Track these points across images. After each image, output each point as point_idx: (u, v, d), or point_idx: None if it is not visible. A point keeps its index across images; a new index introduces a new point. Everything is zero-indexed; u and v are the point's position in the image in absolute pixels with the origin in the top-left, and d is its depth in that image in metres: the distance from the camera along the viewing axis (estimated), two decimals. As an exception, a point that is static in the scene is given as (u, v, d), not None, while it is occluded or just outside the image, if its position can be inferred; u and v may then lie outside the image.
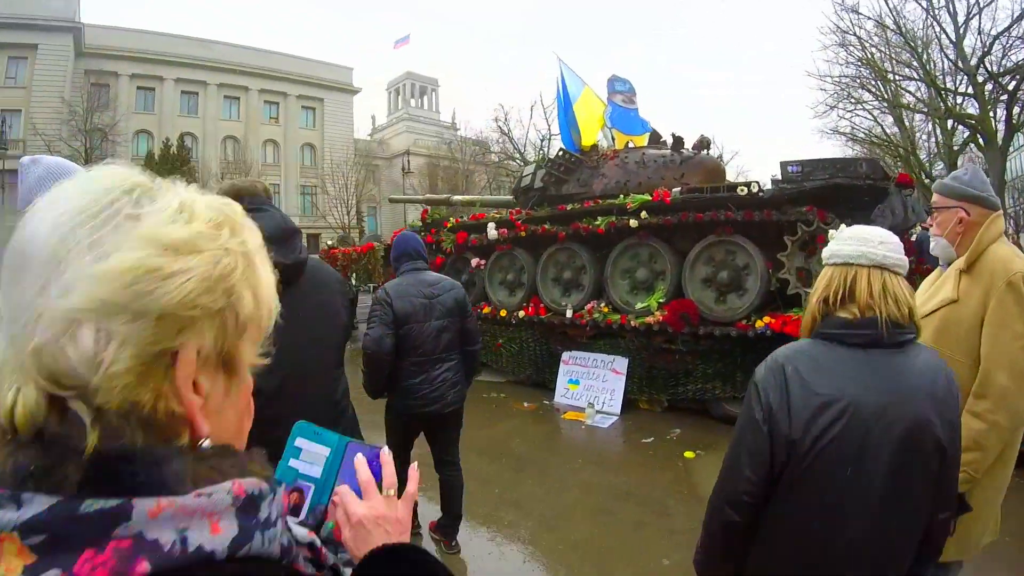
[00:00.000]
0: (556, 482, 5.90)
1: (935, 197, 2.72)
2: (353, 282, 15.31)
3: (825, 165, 6.95)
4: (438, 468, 4.52)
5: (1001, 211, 2.62)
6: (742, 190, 7.02)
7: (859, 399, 1.70)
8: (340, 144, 52.30)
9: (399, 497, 1.00)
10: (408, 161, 45.17)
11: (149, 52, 45.58)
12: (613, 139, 10.48)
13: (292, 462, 1.05)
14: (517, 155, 40.63)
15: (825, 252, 1.96)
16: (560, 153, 9.59)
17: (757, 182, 7.15)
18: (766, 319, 6.77)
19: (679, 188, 7.70)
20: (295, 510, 1.01)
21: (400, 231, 5.34)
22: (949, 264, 2.67)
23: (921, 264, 7.34)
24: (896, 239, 1.87)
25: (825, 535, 1.75)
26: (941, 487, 1.77)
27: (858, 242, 1.84)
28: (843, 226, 2.06)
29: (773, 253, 6.87)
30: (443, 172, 48.10)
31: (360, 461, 1.02)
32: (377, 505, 0.96)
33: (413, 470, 1.06)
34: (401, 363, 4.09)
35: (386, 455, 1.02)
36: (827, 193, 6.62)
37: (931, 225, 2.79)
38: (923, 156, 28.78)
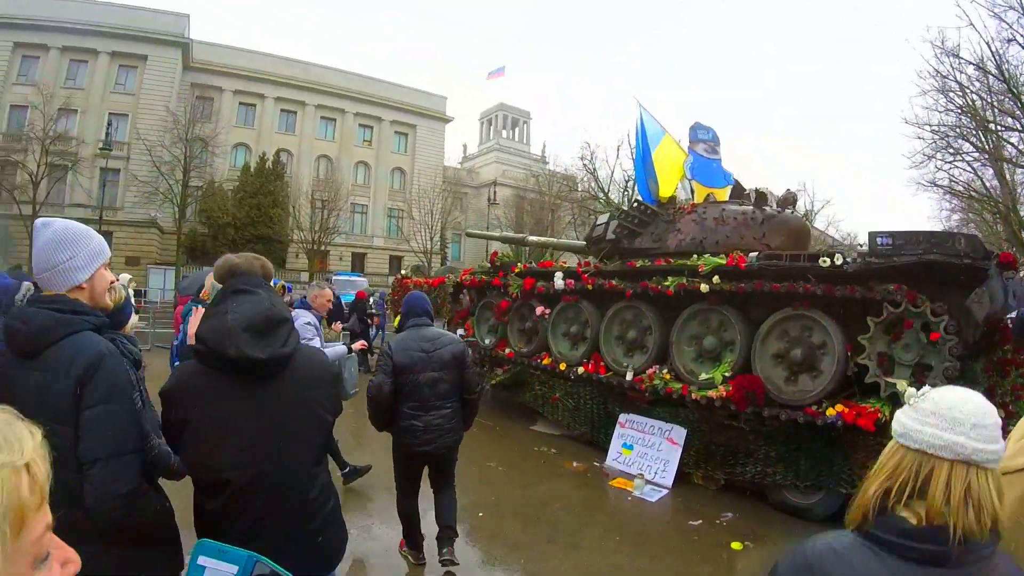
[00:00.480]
0: (586, 560, 5.47)
1: None
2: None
3: (919, 239, 6.13)
4: (433, 487, 5.13)
5: None
6: (824, 261, 6.43)
7: None
8: (429, 170, 53.71)
9: None
10: (494, 192, 45.70)
11: (252, 70, 48.37)
12: (692, 191, 10.00)
13: None
14: (601, 195, 40.48)
15: (897, 423, 1.51)
16: (635, 204, 9.20)
17: (842, 254, 6.57)
18: (839, 407, 6.09)
19: (756, 253, 7.17)
20: None
21: (411, 292, 5.64)
22: None
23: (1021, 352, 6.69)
24: (993, 419, 1.42)
25: None
26: None
27: (944, 425, 1.40)
28: (927, 388, 1.48)
29: (854, 334, 6.26)
30: (529, 205, 48.41)
31: None
32: None
33: None
34: (401, 407, 4.74)
35: None
36: (919, 271, 5.90)
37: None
38: (1024, 212, 27.32)
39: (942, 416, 1.40)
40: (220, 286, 2.59)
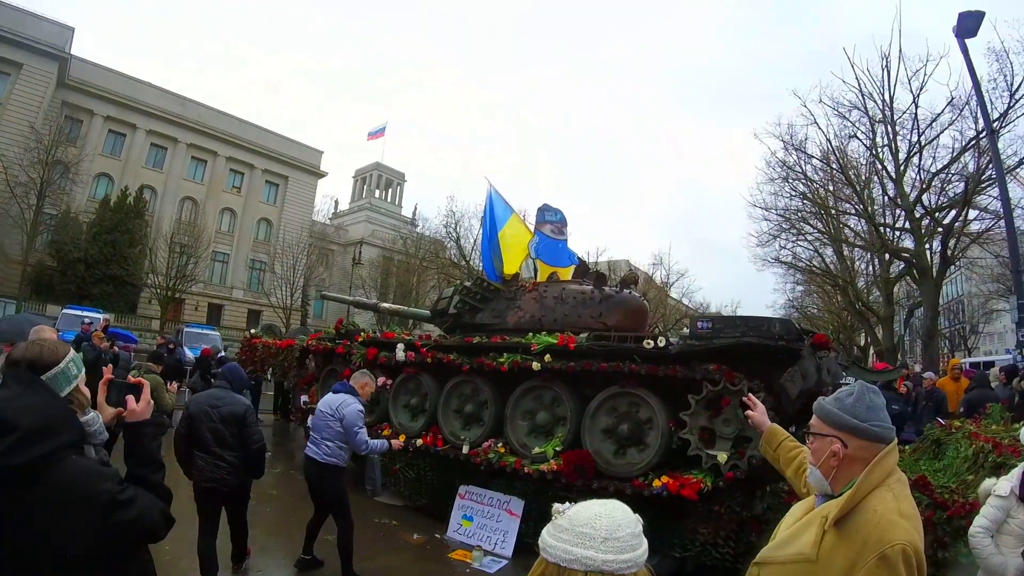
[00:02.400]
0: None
1: (813, 419, 2.34)
2: (268, 376, 14.97)
3: (736, 323, 6.80)
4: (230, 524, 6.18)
5: (895, 443, 2.19)
6: (648, 343, 6.83)
7: None
8: (297, 224, 52.87)
9: None
10: (360, 252, 45.33)
11: (128, 97, 46.05)
12: (536, 270, 10.32)
13: None
14: (463, 262, 41.01)
15: (541, 538, 1.60)
16: (477, 280, 9.42)
17: (666, 335, 6.99)
18: (664, 479, 6.45)
19: (586, 333, 7.50)
20: None
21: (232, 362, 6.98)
22: (824, 496, 2.25)
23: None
24: (628, 529, 1.53)
25: None
26: None
27: (575, 540, 1.51)
28: (567, 504, 1.61)
29: (677, 410, 6.67)
30: (395, 268, 48.34)
31: None
32: None
33: None
34: (192, 451, 5.80)
35: None
36: (736, 352, 6.42)
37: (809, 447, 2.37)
38: (861, 284, 29.74)
39: (574, 532, 1.51)
40: None
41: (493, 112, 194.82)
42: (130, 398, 2.50)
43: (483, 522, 7.93)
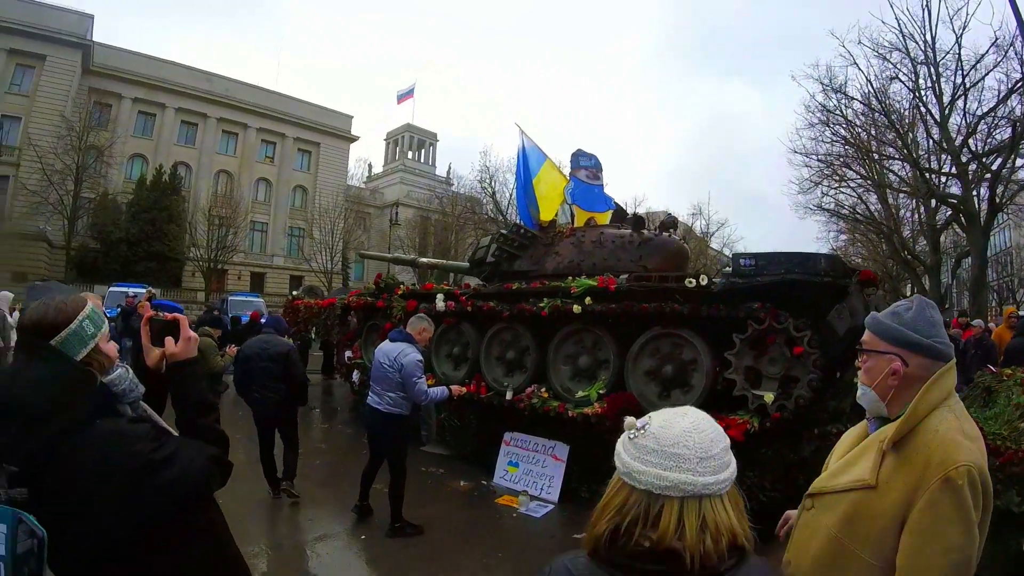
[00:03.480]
0: (464, 582, 5.45)
1: (866, 334, 2.12)
2: (312, 335, 15.15)
3: (781, 259, 6.44)
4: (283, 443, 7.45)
5: (953, 362, 2.00)
6: (690, 282, 6.70)
7: None
8: (331, 190, 52.87)
9: None
10: (396, 213, 45.29)
11: (154, 78, 46.46)
12: (573, 216, 10.21)
13: None
14: (501, 217, 40.84)
15: (618, 459, 1.41)
16: (514, 228, 9.35)
17: (707, 275, 6.86)
18: (710, 420, 6.38)
19: (626, 275, 7.41)
20: None
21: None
22: (878, 419, 2.09)
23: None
24: (721, 445, 1.37)
25: None
26: None
27: (669, 464, 1.32)
28: (648, 417, 1.39)
29: (721, 350, 6.53)
30: (433, 227, 48.25)
31: None
32: None
33: None
34: (249, 386, 7.19)
35: None
36: (781, 290, 6.19)
37: (859, 367, 2.16)
38: (906, 233, 28.92)
39: (664, 454, 1.33)
40: None
41: (520, 67, 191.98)
42: (168, 340, 2.26)
43: (528, 468, 7.98)
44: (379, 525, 6.60)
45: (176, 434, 2.16)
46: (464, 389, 8.11)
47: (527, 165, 9.81)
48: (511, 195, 40.03)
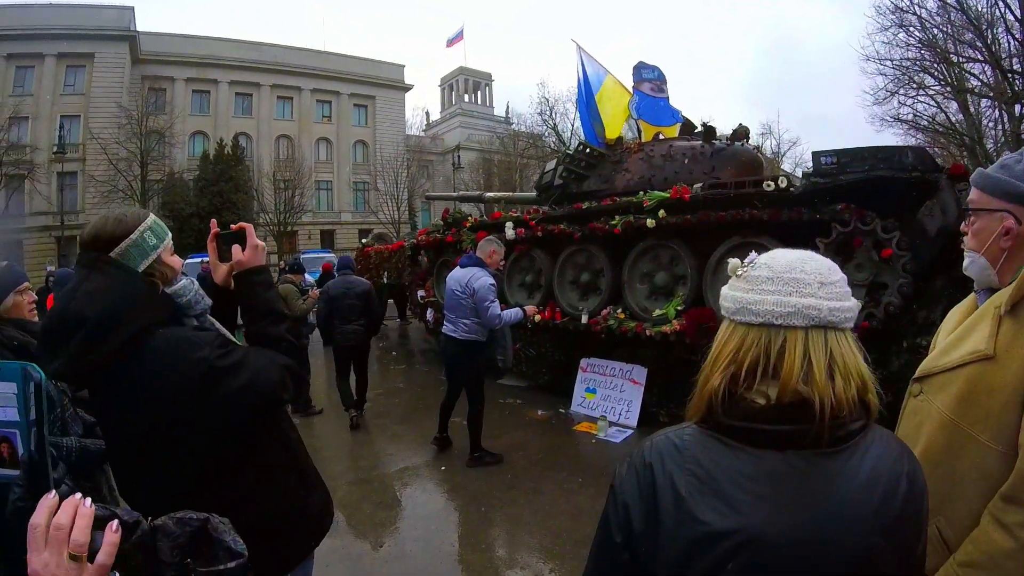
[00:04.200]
0: (548, 504, 5.43)
1: (973, 193, 1.83)
2: (385, 280, 15.25)
3: (864, 155, 5.96)
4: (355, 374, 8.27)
5: None
6: (769, 185, 6.33)
7: (766, 532, 1.06)
8: (392, 140, 52.98)
9: None
10: (459, 157, 45.19)
11: (203, 56, 47.07)
12: (640, 131, 9.82)
13: None
14: (564, 148, 40.35)
15: (727, 300, 1.26)
16: (580, 147, 9.03)
17: (787, 176, 6.48)
18: (793, 331, 6.07)
19: (700, 184, 7.07)
20: (12, 463, 0.89)
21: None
22: (988, 292, 1.80)
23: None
24: (839, 275, 1.20)
25: None
26: None
27: (788, 289, 1.16)
28: (752, 254, 1.18)
29: (806, 257, 6.18)
30: (497, 167, 47.98)
31: None
32: None
33: None
34: (333, 322, 8.01)
35: None
36: (866, 188, 5.75)
37: (966, 232, 1.86)
38: (989, 145, 27.32)
39: (781, 280, 1.17)
40: None
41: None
42: (235, 247, 2.14)
43: (606, 393, 7.85)
44: (459, 456, 6.64)
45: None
46: (538, 310, 7.98)
47: (588, 83, 9.39)
48: (573, 125, 39.47)
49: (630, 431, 7.25)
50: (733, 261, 1.29)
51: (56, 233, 34.59)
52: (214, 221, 2.28)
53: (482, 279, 6.08)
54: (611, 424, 7.34)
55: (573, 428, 7.53)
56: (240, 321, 2.24)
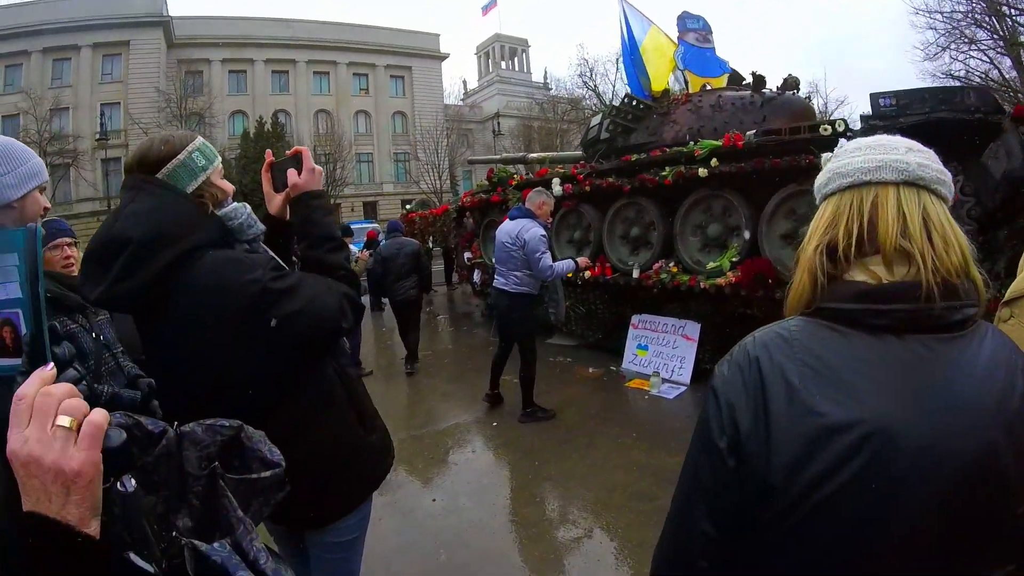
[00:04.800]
0: (601, 459, 5.37)
1: None
2: (430, 244, 15.26)
3: (924, 96, 5.75)
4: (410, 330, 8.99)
5: None
6: (826, 129, 6.10)
7: (892, 423, 0.97)
8: (430, 110, 52.98)
9: None
10: (498, 124, 44.96)
11: (237, 37, 47.58)
12: (686, 83, 9.57)
13: None
14: (605, 109, 39.84)
15: (819, 179, 1.22)
16: (625, 100, 8.80)
17: (844, 120, 6.23)
18: (857, 281, 5.85)
19: (753, 131, 6.84)
20: (15, 349, 0.79)
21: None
22: None
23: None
24: (932, 153, 1.13)
25: None
26: (1002, 533, 1.01)
27: (877, 151, 1.11)
28: (842, 140, 1.11)
29: (865, 204, 5.94)
30: (537, 133, 47.63)
31: None
32: None
33: None
34: (386, 280, 8.67)
35: None
36: (927, 130, 5.28)
37: None
38: (1047, 103, 26.41)
39: (870, 147, 1.14)
40: None
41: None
42: (291, 171, 2.06)
43: (659, 350, 7.72)
44: (510, 413, 6.62)
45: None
46: (590, 263, 7.88)
47: (632, 35, 9.17)
48: (615, 87, 38.83)
49: (683, 387, 7.14)
50: (826, 155, 1.26)
51: (103, 217, 35.28)
52: (269, 151, 2.22)
53: (533, 230, 5.98)
54: (664, 381, 7.23)
55: (625, 385, 7.45)
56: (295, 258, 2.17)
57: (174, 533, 0.90)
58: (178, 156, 1.81)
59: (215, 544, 0.86)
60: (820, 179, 1.21)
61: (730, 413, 1.08)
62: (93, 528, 0.74)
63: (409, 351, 8.93)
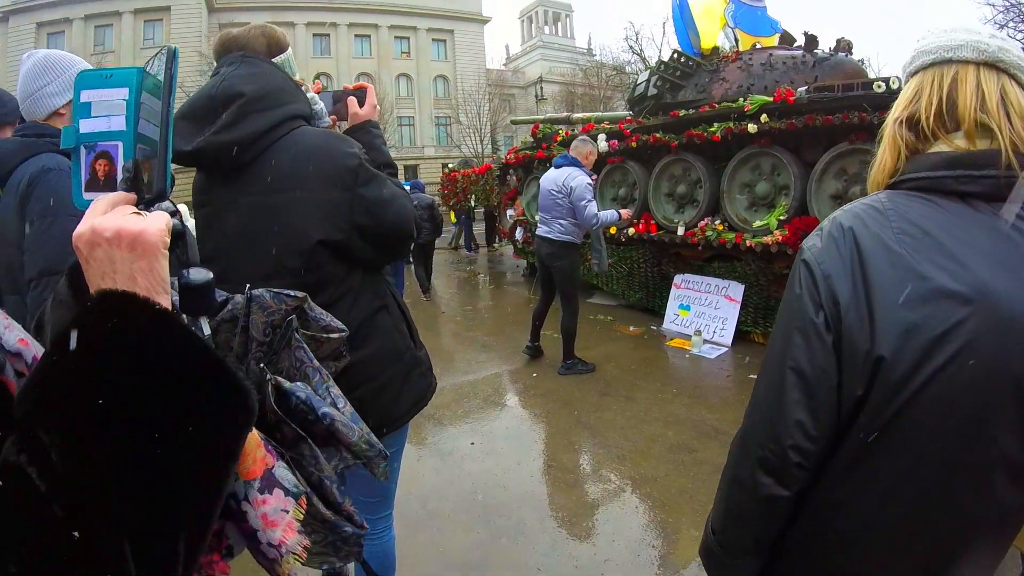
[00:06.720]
0: (640, 411, 5.39)
1: None
2: (472, 203, 15.23)
3: None
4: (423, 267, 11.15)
5: None
6: (879, 86, 5.98)
7: (999, 292, 0.95)
8: (472, 73, 52.63)
9: None
10: (541, 89, 44.59)
11: (277, 0, 47.53)
12: (737, 41, 9.36)
13: (84, 124, 0.76)
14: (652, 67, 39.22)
15: (906, 60, 1.20)
16: (674, 56, 8.65)
17: (898, 77, 6.07)
18: (908, 240, 5.73)
19: (805, 88, 6.70)
20: (107, 183, 0.75)
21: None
22: None
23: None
24: (1016, 43, 1.12)
25: (931, 531, 1.05)
26: None
27: (959, 33, 1.10)
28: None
29: (919, 163, 5.80)
30: (580, 99, 47.16)
31: None
32: None
33: None
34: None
35: None
36: None
37: None
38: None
39: (955, 28, 1.12)
40: None
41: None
42: (352, 100, 2.12)
43: (701, 310, 7.68)
44: (550, 365, 6.66)
45: None
46: (632, 220, 7.81)
47: (681, -13, 8.96)
48: (660, 51, 38.27)
49: (724, 349, 7.11)
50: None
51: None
52: (318, 82, 2.26)
53: (579, 178, 5.95)
54: (705, 341, 7.20)
55: (666, 344, 7.44)
56: None
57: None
58: (283, 53, 1.98)
59: (297, 383, 0.88)
60: (906, 61, 1.20)
61: (827, 285, 1.06)
62: (164, 302, 0.69)
63: (422, 282, 11.48)
